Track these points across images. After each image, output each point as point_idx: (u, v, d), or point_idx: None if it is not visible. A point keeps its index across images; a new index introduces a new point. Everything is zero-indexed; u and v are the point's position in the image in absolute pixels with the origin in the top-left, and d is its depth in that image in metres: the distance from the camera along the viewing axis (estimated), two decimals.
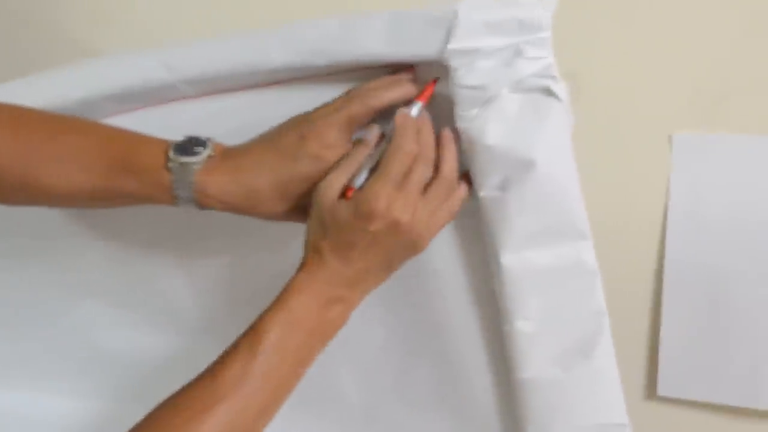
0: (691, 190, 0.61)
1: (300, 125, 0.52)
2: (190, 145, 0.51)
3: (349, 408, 0.63)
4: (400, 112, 0.51)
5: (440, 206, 0.51)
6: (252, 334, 0.49)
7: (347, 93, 0.53)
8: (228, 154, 0.52)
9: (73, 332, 0.63)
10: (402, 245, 0.50)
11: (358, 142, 0.52)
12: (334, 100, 0.53)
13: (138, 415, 0.65)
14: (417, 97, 0.53)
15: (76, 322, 0.63)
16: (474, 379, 0.59)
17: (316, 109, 0.53)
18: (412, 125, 0.51)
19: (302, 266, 0.51)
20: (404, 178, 0.49)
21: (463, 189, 0.53)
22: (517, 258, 0.52)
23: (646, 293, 0.63)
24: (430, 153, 0.51)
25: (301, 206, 0.52)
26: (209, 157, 0.51)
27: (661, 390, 0.63)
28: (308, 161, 0.51)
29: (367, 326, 0.60)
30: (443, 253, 0.57)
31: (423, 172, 0.50)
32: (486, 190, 0.52)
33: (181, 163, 0.50)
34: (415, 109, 0.52)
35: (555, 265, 0.53)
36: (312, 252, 0.50)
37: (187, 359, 0.63)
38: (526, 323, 0.53)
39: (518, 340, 0.54)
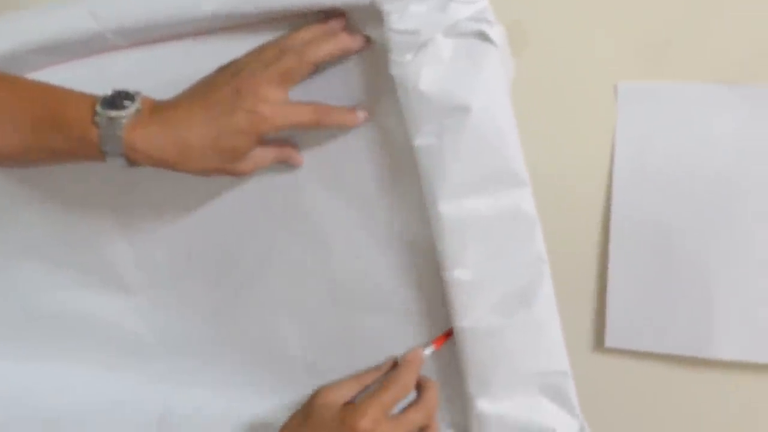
0: (637, 139, 0.61)
1: (233, 78, 0.51)
2: (118, 99, 0.50)
3: (291, 361, 0.63)
4: (416, 350, 0.57)
5: None
6: None
7: (278, 43, 0.52)
8: (157, 109, 0.51)
9: (10, 294, 0.62)
10: None
11: (375, 367, 0.58)
12: (265, 49, 0.52)
13: (78, 377, 0.64)
14: (433, 341, 0.58)
15: (13, 283, 0.62)
16: (417, 330, 0.59)
17: (247, 59, 0.52)
18: (418, 366, 0.56)
19: None
20: (394, 409, 0.53)
21: None
22: (455, 206, 0.52)
23: (592, 244, 0.63)
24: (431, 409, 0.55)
25: (233, 160, 0.51)
26: (137, 111, 0.50)
27: (609, 341, 0.63)
28: (243, 115, 0.50)
29: (309, 281, 0.60)
30: (383, 205, 0.57)
31: (416, 419, 0.54)
32: (421, 138, 0.51)
33: (109, 118, 0.49)
34: (427, 351, 0.57)
35: (493, 213, 0.52)
36: None
37: (128, 318, 0.63)
38: (465, 271, 0.53)
39: (457, 289, 0.53)
